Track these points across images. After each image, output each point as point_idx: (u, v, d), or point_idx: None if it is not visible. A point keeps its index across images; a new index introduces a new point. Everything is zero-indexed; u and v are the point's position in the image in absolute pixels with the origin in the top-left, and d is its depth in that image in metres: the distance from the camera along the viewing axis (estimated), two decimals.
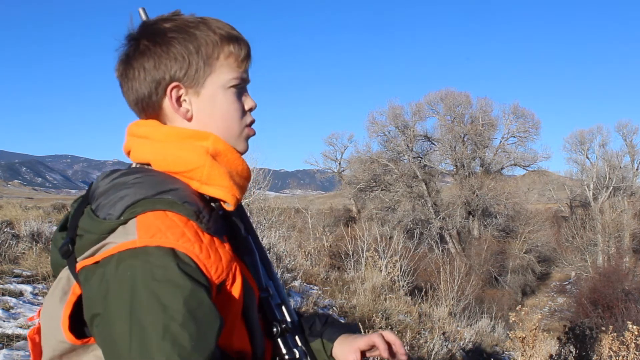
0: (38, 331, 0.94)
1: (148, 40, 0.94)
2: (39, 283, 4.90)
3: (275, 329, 0.98)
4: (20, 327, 3.77)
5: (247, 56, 0.98)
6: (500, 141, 35.01)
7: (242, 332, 0.91)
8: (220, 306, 0.84)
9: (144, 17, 1.00)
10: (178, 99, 0.95)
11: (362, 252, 9.93)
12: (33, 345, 0.95)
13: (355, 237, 10.54)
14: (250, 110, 1.01)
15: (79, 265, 0.83)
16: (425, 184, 32.95)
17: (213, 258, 0.82)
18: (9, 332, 3.65)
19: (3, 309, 4.07)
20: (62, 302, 0.86)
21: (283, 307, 1.02)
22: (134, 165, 0.96)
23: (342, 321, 1.19)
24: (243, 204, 1.11)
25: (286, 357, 0.98)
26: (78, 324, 0.84)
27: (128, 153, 0.98)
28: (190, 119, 0.96)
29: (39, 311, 0.94)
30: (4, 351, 3.32)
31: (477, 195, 31.88)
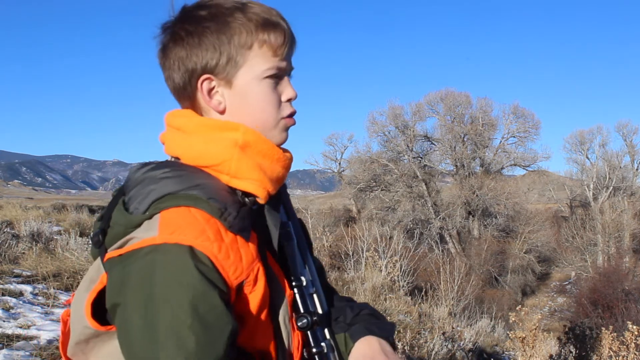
0: (70, 313, 0.95)
1: (182, 29, 0.92)
2: (39, 283, 4.90)
3: (305, 321, 0.95)
4: (20, 327, 3.77)
5: (285, 44, 0.93)
6: (500, 141, 35.05)
7: (267, 331, 0.90)
8: (240, 307, 0.84)
9: None
10: (210, 91, 0.93)
11: (362, 252, 9.93)
12: (64, 326, 0.96)
13: (355, 237, 10.54)
14: (289, 100, 0.97)
15: (106, 257, 0.85)
16: (425, 184, 32.95)
17: (232, 258, 0.81)
18: (9, 332, 3.65)
19: (3, 309, 4.07)
20: (88, 289, 0.88)
21: (315, 297, 1.00)
22: (169, 159, 0.96)
23: (380, 314, 1.12)
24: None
25: (314, 350, 0.96)
26: (103, 311, 0.85)
27: (164, 144, 0.98)
28: (222, 112, 0.94)
29: (73, 295, 0.95)
30: (4, 351, 3.32)
31: (477, 195, 31.88)
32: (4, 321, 3.84)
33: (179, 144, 0.93)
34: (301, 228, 1.08)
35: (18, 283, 4.81)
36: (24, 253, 5.80)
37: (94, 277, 0.89)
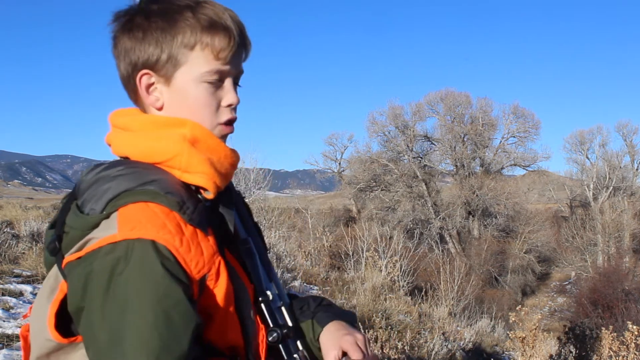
0: (29, 328, 0.93)
1: (132, 21, 0.92)
2: (39, 283, 4.90)
3: (276, 334, 0.95)
4: (20, 327, 3.77)
5: (229, 47, 0.92)
6: (500, 141, 35.06)
7: (235, 327, 0.90)
8: (205, 302, 0.83)
9: None
10: (148, 86, 0.93)
11: (362, 252, 9.93)
12: (25, 343, 0.94)
13: (355, 237, 10.55)
14: (229, 106, 0.95)
15: (64, 262, 0.83)
16: (425, 184, 32.95)
17: (194, 252, 0.81)
18: (9, 332, 3.65)
19: (3, 309, 4.07)
20: (49, 300, 0.86)
21: (283, 310, 1.00)
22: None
23: (338, 305, 1.13)
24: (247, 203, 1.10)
25: None
26: (65, 322, 0.84)
27: (110, 145, 0.97)
28: (160, 109, 0.94)
29: (30, 308, 0.93)
30: (4, 351, 3.33)
31: (477, 195, 31.87)
32: (4, 321, 3.85)
33: (126, 142, 0.92)
34: (258, 235, 1.07)
35: (18, 283, 4.81)
36: (24, 253, 5.79)
37: (54, 286, 0.87)
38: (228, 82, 0.95)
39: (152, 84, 0.93)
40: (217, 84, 0.94)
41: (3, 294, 4.39)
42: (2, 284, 4.60)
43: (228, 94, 0.95)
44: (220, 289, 0.85)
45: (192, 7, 0.91)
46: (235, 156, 0.95)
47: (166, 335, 0.75)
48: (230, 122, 0.96)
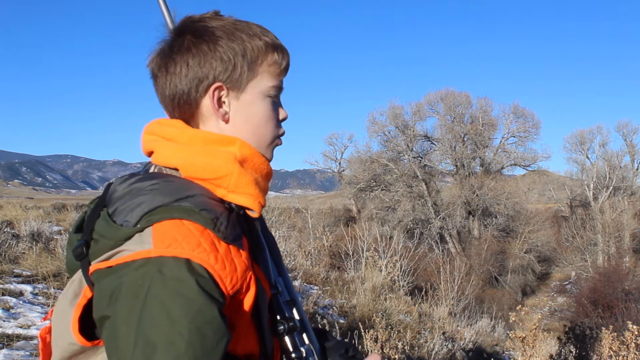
0: (49, 331, 0.93)
1: (194, 37, 0.93)
2: (39, 283, 4.90)
3: (282, 327, 0.96)
4: (20, 327, 3.77)
5: (287, 68, 0.99)
6: (500, 141, 35.03)
7: (252, 334, 0.90)
8: (231, 313, 0.84)
9: (165, 11, 0.99)
10: (219, 99, 0.94)
11: (362, 252, 9.93)
12: (43, 344, 0.94)
13: (355, 237, 10.55)
14: (283, 120, 1.01)
15: (92, 268, 0.83)
16: (425, 184, 32.94)
17: (228, 268, 0.81)
18: (9, 332, 3.65)
19: (3, 308, 4.07)
20: (72, 304, 0.86)
21: (292, 305, 1.01)
22: (152, 169, 0.94)
23: None
24: None
25: (293, 355, 0.97)
26: (88, 326, 0.84)
27: (149, 154, 0.96)
28: (227, 121, 0.95)
29: (51, 311, 0.93)
30: (4, 351, 3.32)
31: (477, 195, 31.87)
32: (4, 321, 3.84)
33: (177, 154, 0.91)
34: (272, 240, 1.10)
35: (18, 283, 4.81)
36: (24, 253, 5.79)
37: (77, 291, 0.88)
38: (280, 99, 1.01)
39: (221, 97, 0.95)
40: (276, 99, 0.99)
41: (3, 294, 4.39)
42: (2, 284, 4.60)
43: (282, 110, 1.01)
44: (247, 301, 0.85)
45: (250, 27, 0.96)
46: (272, 172, 0.99)
47: (200, 351, 0.74)
48: (282, 135, 1.02)
